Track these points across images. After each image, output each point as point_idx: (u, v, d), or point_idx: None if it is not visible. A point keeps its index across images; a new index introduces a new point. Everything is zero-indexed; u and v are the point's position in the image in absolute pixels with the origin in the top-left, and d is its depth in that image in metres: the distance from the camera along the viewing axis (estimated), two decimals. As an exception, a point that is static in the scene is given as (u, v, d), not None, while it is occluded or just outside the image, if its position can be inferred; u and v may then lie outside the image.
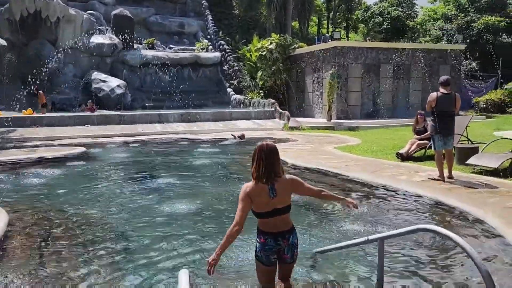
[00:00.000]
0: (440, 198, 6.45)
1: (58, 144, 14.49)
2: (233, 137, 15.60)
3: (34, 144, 14.47)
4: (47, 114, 18.05)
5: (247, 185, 3.16)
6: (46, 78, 22.64)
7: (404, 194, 6.91)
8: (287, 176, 3.26)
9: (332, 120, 19.18)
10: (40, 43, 23.19)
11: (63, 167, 10.31)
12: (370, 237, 3.71)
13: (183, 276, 2.39)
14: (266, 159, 3.14)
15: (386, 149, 11.63)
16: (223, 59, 27.70)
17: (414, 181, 7.54)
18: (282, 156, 10.47)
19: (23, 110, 18.57)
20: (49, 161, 11.11)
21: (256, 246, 3.25)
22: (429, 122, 7.94)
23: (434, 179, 7.51)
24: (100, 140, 15.93)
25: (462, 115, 13.81)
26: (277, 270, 3.32)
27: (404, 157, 9.92)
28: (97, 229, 5.51)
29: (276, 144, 3.35)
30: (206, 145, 14.60)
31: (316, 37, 27.62)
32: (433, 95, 7.50)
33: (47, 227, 5.65)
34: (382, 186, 7.48)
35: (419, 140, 10.23)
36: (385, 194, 7.09)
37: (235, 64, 27.07)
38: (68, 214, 6.25)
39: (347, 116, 20.28)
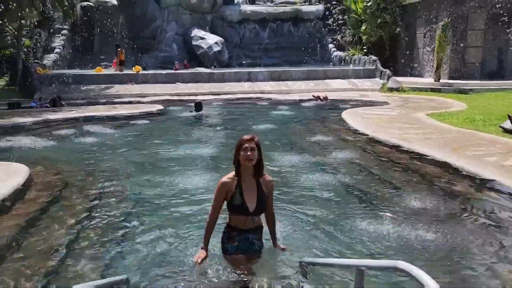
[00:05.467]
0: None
1: (144, 102, 14.90)
2: (314, 98, 14.25)
3: (122, 101, 15.12)
4: (142, 72, 18.69)
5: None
6: (151, 36, 23.63)
7: (483, 183, 5.17)
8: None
9: (440, 81, 16.41)
10: (145, 2, 23.99)
11: (127, 126, 10.42)
12: (347, 261, 2.58)
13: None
14: None
15: (492, 119, 9.32)
16: (327, 12, 25.62)
17: (503, 166, 5.65)
18: (351, 121, 9.26)
19: (133, 68, 19.29)
20: (121, 118, 11.35)
21: None
22: None
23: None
24: (185, 98, 15.99)
25: None
26: None
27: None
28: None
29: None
30: (284, 107, 13.58)
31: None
32: None
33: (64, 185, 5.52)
34: (458, 169, 5.74)
35: None
36: (455, 181, 5.41)
37: (340, 17, 24.85)
38: (96, 171, 6.20)
39: (462, 76, 17.25)
